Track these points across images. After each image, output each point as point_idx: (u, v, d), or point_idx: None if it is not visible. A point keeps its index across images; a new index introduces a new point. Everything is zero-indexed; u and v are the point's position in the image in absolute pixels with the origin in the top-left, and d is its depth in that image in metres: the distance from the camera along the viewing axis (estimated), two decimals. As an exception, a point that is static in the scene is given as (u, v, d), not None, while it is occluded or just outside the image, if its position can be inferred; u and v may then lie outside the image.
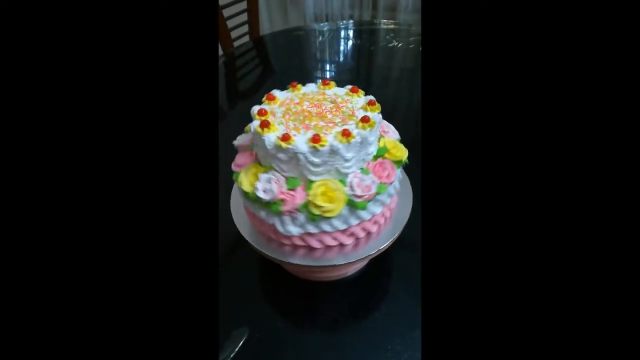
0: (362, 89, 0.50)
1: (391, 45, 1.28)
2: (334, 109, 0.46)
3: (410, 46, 1.26)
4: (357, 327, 0.51)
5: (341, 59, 1.30)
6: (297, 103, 0.47)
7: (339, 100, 0.48)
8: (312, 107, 0.46)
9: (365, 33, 1.44)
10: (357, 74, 1.20)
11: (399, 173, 0.47)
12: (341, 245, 0.47)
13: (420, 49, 1.23)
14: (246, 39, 1.51)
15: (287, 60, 1.30)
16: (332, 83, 0.51)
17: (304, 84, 0.52)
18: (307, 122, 0.44)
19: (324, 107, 0.46)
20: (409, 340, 0.49)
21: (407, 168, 0.53)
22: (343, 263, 0.46)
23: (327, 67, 1.27)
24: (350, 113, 0.45)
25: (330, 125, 0.43)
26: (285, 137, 0.40)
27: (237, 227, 0.50)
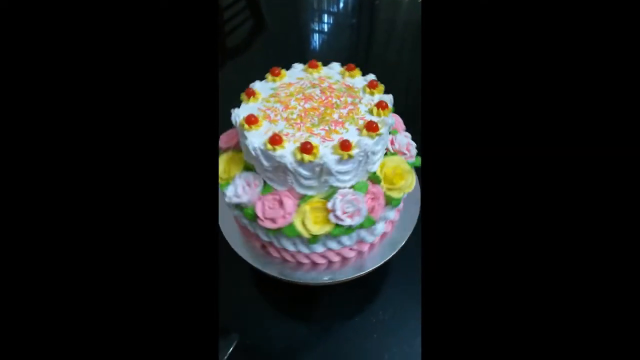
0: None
1: (396, -2, 1.16)
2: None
3: (419, 0, 1.14)
4: (354, 333, 0.50)
5: (341, 9, 1.18)
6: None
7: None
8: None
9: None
10: (358, 32, 1.09)
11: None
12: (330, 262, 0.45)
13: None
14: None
15: (281, 12, 1.17)
16: (357, 70, 0.46)
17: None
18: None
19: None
20: (407, 348, 0.48)
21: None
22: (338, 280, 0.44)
23: (325, 19, 1.15)
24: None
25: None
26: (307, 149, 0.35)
27: (227, 239, 0.47)
